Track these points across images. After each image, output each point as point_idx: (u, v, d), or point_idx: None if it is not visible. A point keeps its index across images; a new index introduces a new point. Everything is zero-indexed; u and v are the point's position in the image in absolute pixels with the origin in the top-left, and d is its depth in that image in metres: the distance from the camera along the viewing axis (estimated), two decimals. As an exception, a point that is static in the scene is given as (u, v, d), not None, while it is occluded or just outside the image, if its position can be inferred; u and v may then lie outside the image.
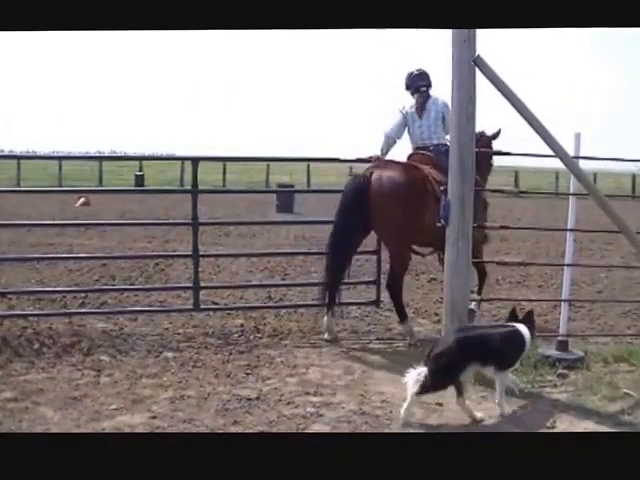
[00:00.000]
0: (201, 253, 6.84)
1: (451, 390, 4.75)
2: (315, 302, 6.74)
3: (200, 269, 6.68)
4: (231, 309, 6.99)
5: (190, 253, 6.64)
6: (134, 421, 4.13)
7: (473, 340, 4.34)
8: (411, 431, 4.06)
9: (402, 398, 4.55)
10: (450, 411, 4.38)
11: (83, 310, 6.80)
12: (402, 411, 4.18)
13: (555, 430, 4.11)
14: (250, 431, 3.99)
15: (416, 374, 4.13)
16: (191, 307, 6.60)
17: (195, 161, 6.55)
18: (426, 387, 4.11)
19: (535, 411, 4.45)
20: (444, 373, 4.16)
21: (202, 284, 6.80)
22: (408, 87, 6.69)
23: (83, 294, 7.34)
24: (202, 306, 6.63)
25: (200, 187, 6.99)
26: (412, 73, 6.65)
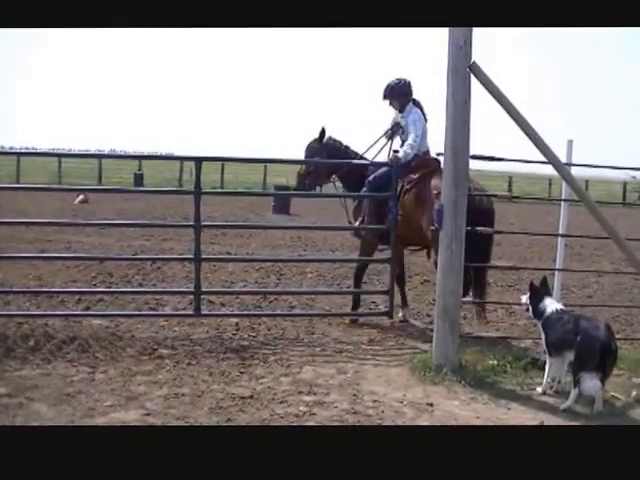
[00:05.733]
0: (203, 256, 6.68)
1: (440, 390, 4.85)
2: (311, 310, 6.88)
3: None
4: (230, 316, 6.82)
5: (192, 256, 6.46)
6: (128, 418, 4.17)
7: None
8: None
9: (393, 398, 4.63)
10: (441, 411, 4.45)
11: (81, 312, 6.70)
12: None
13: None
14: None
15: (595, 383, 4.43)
16: (192, 312, 6.41)
17: (198, 161, 6.28)
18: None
19: (523, 412, 4.52)
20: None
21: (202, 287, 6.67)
22: (409, 94, 6.85)
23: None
24: (203, 312, 6.44)
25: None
26: (408, 81, 6.85)
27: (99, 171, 32.58)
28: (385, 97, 6.89)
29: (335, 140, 7.09)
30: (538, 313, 4.94)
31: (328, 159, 7.02)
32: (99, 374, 4.99)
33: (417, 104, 6.83)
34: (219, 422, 4.14)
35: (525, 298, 5.09)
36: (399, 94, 6.80)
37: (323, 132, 7.05)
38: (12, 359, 5.24)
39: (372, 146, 6.99)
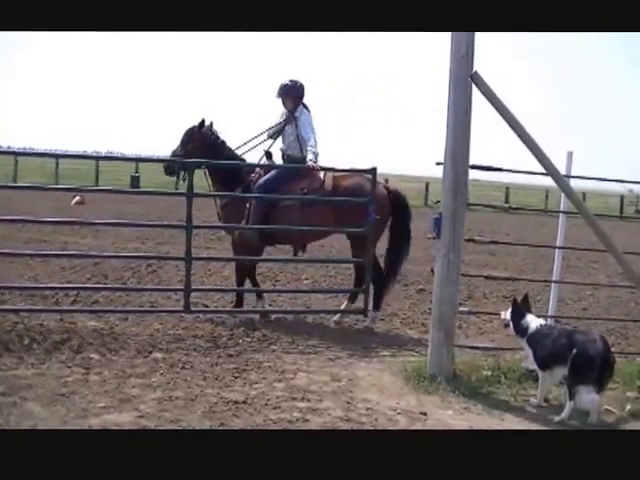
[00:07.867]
0: (194, 256, 6.81)
1: (434, 399, 4.84)
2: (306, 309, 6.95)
3: (192, 272, 6.70)
4: (221, 312, 7.01)
5: (183, 256, 6.60)
6: (121, 420, 4.15)
7: None
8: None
9: (387, 406, 4.63)
10: (434, 420, 4.45)
11: (74, 308, 6.82)
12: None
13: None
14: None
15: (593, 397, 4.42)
16: (181, 309, 6.57)
17: (190, 165, 6.60)
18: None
19: (517, 423, 4.51)
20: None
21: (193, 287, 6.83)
22: (303, 96, 7.13)
23: (75, 292, 7.36)
24: (192, 308, 6.64)
25: (195, 191, 6.96)
26: (303, 84, 7.12)
27: (96, 173, 32.55)
28: (279, 95, 7.11)
29: (213, 132, 7.07)
30: (521, 330, 4.94)
31: (197, 147, 6.92)
32: (93, 375, 4.97)
33: (307, 108, 7.09)
34: (212, 426, 4.12)
35: (506, 314, 5.08)
36: (294, 95, 7.07)
37: (202, 122, 7.02)
38: (7, 358, 5.22)
39: (255, 140, 7.20)
